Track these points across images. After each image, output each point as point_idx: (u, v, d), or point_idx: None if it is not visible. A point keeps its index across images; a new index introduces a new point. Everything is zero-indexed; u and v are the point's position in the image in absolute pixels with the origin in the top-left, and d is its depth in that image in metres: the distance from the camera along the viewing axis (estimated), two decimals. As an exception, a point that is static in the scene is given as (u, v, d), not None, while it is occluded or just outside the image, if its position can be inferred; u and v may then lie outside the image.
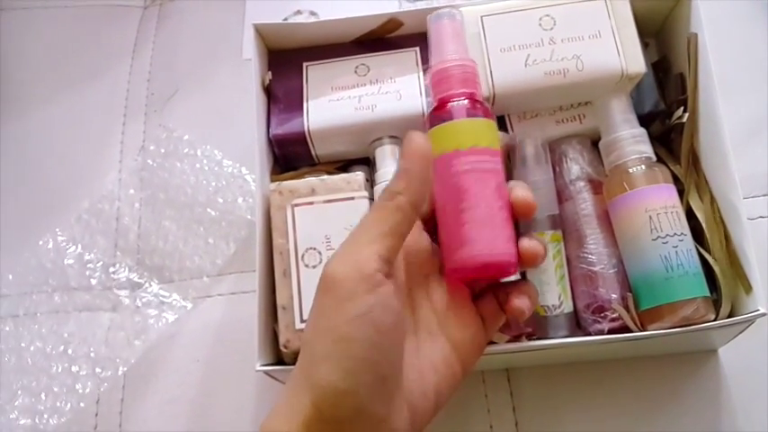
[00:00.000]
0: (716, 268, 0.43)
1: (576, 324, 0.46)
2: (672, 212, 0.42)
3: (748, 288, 0.41)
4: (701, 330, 0.40)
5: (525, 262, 0.36)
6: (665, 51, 0.51)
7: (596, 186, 0.46)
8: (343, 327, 0.30)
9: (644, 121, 0.48)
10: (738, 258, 0.42)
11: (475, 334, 0.37)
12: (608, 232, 0.45)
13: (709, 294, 0.41)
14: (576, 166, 0.47)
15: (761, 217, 0.52)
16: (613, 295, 0.43)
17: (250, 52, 0.48)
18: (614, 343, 0.41)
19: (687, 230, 0.42)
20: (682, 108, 0.47)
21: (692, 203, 0.45)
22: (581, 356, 0.48)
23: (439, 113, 0.38)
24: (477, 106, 0.38)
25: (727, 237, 0.43)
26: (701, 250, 0.44)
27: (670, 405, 0.47)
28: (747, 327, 0.43)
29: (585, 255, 0.44)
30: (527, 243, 0.36)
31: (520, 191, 0.37)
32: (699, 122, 0.46)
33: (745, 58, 0.57)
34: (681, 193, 0.46)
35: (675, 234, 0.41)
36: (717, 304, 0.43)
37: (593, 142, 0.48)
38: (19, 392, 0.52)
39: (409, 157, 0.34)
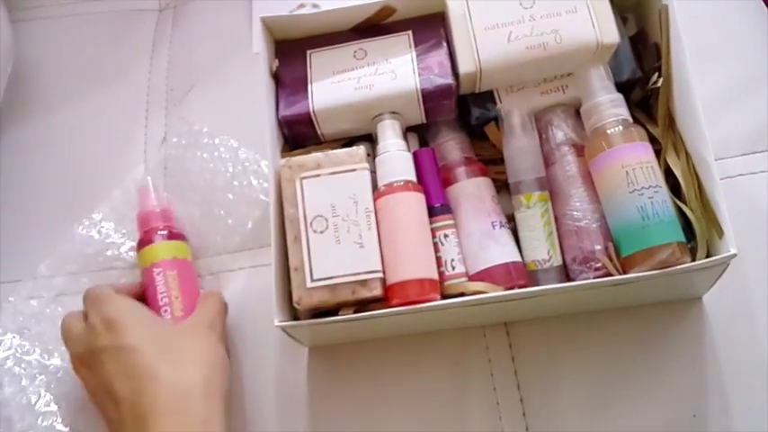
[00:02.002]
0: (691, 217, 0.46)
1: (566, 277, 0.50)
2: (647, 167, 0.45)
3: (721, 232, 0.45)
4: (679, 273, 0.44)
5: None
6: (642, 24, 0.55)
7: (579, 150, 0.50)
8: None
9: (623, 88, 0.52)
10: (711, 206, 0.46)
11: None
12: (591, 190, 0.49)
13: (684, 240, 0.45)
14: (561, 132, 0.51)
15: (740, 175, 0.55)
16: (597, 246, 0.47)
17: (259, 46, 0.53)
18: (600, 288, 0.45)
19: (662, 183, 0.46)
20: (657, 74, 0.51)
21: (669, 161, 0.49)
22: (573, 308, 0.52)
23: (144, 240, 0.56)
24: (174, 234, 0.57)
25: (700, 188, 0.47)
26: (678, 202, 0.47)
27: (658, 351, 0.51)
28: (724, 269, 0.46)
29: (571, 212, 0.48)
30: None
31: None
32: (673, 87, 0.50)
33: (724, 27, 0.61)
34: (660, 152, 0.50)
35: (651, 186, 0.45)
36: (694, 252, 0.46)
37: (576, 110, 0.52)
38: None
39: None
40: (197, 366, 0.48)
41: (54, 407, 0.54)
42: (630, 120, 0.48)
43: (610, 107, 0.48)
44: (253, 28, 0.69)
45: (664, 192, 0.45)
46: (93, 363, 0.48)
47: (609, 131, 0.47)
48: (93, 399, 0.49)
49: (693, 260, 0.46)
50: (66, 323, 0.51)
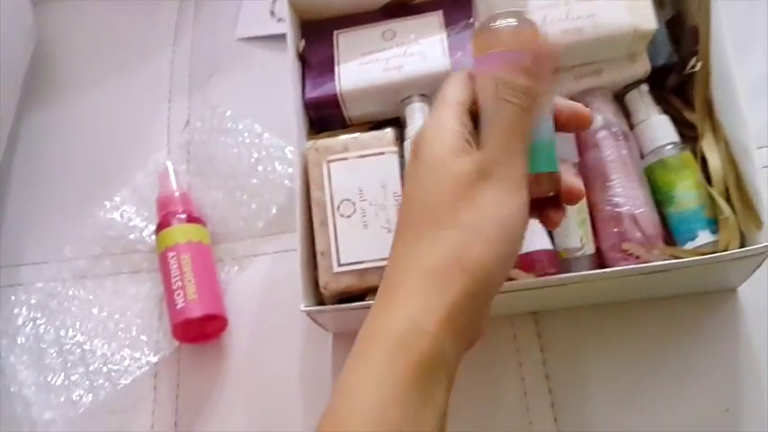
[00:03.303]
0: (722, 206, 0.45)
1: (600, 266, 0.48)
2: None
3: (759, 224, 0.43)
4: (711, 262, 0.43)
5: (568, 198, 0.37)
6: (679, 6, 0.53)
7: (618, 135, 0.49)
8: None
9: (660, 73, 0.51)
10: (750, 197, 0.44)
11: None
12: (632, 175, 0.47)
13: (556, 170, 0.36)
14: (600, 116, 0.49)
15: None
16: (638, 234, 0.46)
17: (250, 31, 0.51)
18: (634, 276, 0.44)
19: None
20: (695, 58, 0.49)
21: (704, 148, 0.48)
22: (605, 297, 0.51)
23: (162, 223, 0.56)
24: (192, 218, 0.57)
25: (738, 177, 0.46)
26: (709, 189, 0.46)
27: (690, 343, 0.50)
28: (762, 262, 0.45)
29: (611, 197, 0.47)
30: (574, 181, 0.37)
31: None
32: (711, 71, 0.48)
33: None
34: (695, 140, 0.49)
35: None
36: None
37: (614, 94, 0.51)
38: (99, 348, 0.57)
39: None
40: None
41: (74, 387, 0.55)
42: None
43: None
44: (241, 9, 0.68)
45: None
46: None
47: (503, 29, 0.35)
48: None
49: (716, 252, 0.45)
50: None
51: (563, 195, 0.37)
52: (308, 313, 0.46)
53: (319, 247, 0.46)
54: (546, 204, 0.38)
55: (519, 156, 0.33)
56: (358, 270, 0.45)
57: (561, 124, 0.37)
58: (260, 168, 0.61)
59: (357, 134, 0.48)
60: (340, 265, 0.45)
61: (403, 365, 0.30)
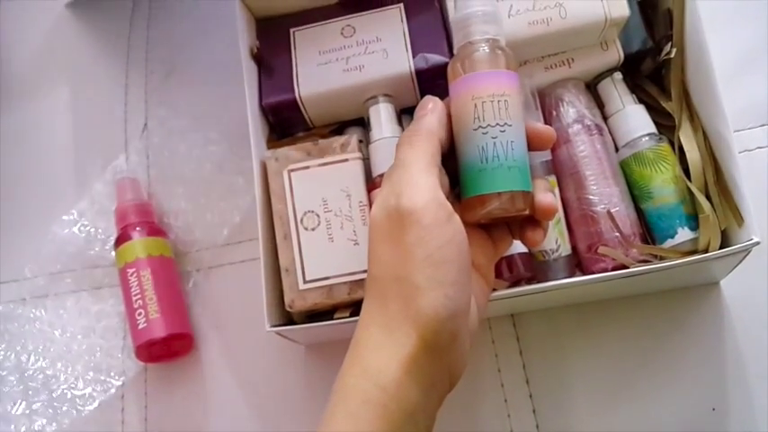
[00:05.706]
0: (701, 202, 0.43)
1: (577, 266, 0.47)
2: (499, 101, 0.37)
3: (740, 221, 0.41)
4: (695, 263, 0.41)
5: (542, 216, 0.37)
6: (652, -12, 0.51)
7: (592, 128, 0.46)
8: (437, 254, 0.31)
9: (634, 59, 0.48)
10: (730, 191, 0.42)
11: (490, 254, 0.38)
12: (609, 171, 0.45)
13: (527, 188, 0.37)
14: (573, 109, 0.47)
15: (758, 148, 0.52)
16: (614, 234, 0.44)
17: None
18: (614, 280, 0.42)
19: (514, 121, 0.37)
20: (670, 44, 0.47)
21: (682, 138, 0.45)
22: (584, 297, 0.49)
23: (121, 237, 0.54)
24: (153, 230, 0.55)
25: (718, 170, 0.44)
26: (689, 184, 0.44)
27: (673, 340, 0.48)
28: (745, 257, 0.43)
29: (586, 196, 0.45)
30: (548, 198, 0.37)
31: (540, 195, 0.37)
32: (687, 57, 0.46)
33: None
34: (673, 129, 0.47)
35: (497, 124, 0.36)
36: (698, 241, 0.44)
37: (587, 84, 0.48)
38: (62, 372, 0.54)
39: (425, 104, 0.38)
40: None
41: (35, 416, 0.52)
42: (502, 41, 0.39)
43: (480, 22, 0.39)
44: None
45: (513, 131, 0.37)
46: None
47: (472, 54, 0.38)
48: None
49: (697, 250, 0.43)
50: None
51: (537, 213, 0.36)
52: (276, 332, 0.44)
53: (283, 263, 0.44)
54: (524, 223, 0.38)
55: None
56: (325, 286, 0.43)
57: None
58: (222, 173, 0.58)
59: (319, 140, 0.46)
60: (306, 281, 0.43)
61: (367, 422, 0.30)
